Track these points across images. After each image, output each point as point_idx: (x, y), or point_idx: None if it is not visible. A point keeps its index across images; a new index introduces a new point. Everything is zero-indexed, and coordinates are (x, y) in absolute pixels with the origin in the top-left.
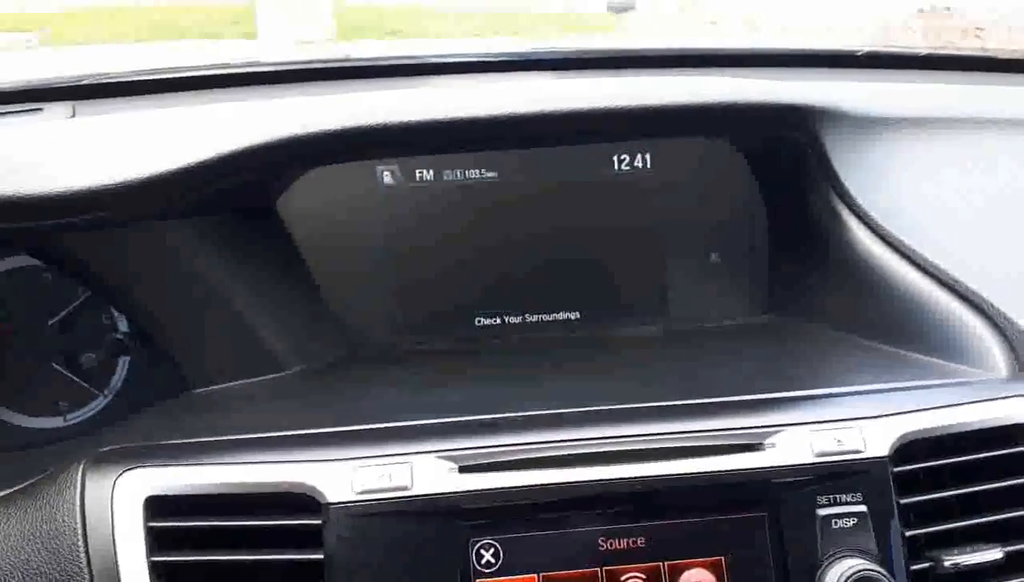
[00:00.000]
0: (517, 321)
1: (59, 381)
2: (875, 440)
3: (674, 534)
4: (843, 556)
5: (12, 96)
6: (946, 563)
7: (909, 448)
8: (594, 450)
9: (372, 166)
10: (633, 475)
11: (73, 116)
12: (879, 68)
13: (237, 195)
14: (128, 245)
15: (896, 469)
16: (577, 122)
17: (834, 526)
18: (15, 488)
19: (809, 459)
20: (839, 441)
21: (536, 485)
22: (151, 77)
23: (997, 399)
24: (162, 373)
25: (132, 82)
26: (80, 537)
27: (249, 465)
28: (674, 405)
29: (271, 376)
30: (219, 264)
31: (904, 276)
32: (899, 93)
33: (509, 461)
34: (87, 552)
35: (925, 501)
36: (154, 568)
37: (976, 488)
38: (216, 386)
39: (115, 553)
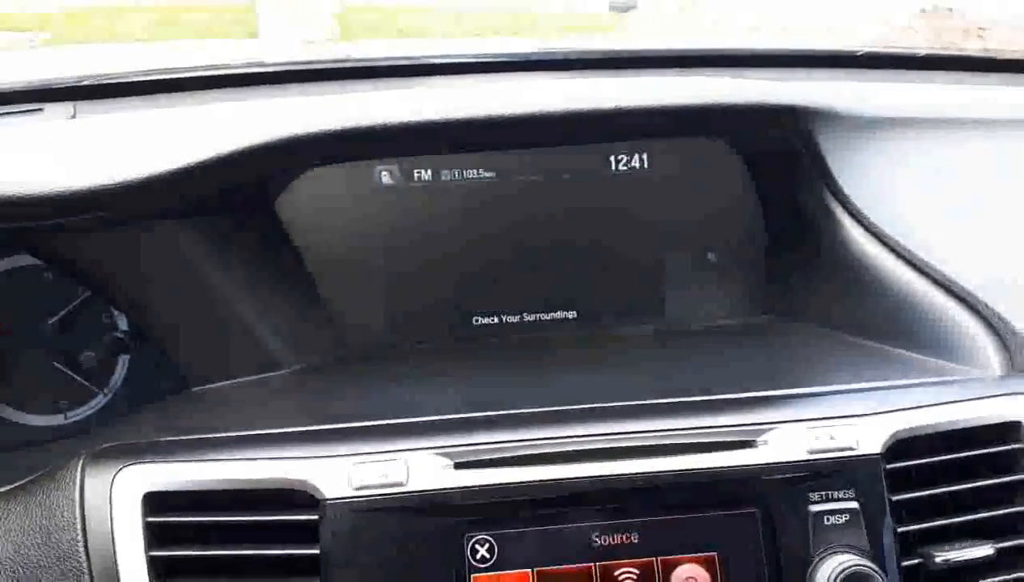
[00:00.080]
0: (514, 320)
1: (59, 379)
2: (868, 437)
3: (668, 530)
4: (835, 552)
5: (13, 96)
6: (937, 559)
7: (901, 445)
8: (589, 447)
9: (371, 166)
10: (627, 471)
11: (74, 116)
12: (878, 68)
13: (236, 195)
14: (128, 244)
15: (888, 466)
16: (574, 122)
17: (826, 522)
18: (15, 484)
19: (802, 456)
20: (832, 438)
21: (531, 481)
22: (151, 78)
23: (989, 397)
24: (161, 371)
25: (132, 83)
26: (79, 532)
27: (247, 461)
28: (669, 403)
29: (269, 374)
30: (218, 263)
31: (898, 275)
32: (894, 93)
33: (504, 457)
34: (86, 547)
35: (917, 498)
36: (152, 563)
37: (968, 485)
38: (214, 384)
39: (114, 548)
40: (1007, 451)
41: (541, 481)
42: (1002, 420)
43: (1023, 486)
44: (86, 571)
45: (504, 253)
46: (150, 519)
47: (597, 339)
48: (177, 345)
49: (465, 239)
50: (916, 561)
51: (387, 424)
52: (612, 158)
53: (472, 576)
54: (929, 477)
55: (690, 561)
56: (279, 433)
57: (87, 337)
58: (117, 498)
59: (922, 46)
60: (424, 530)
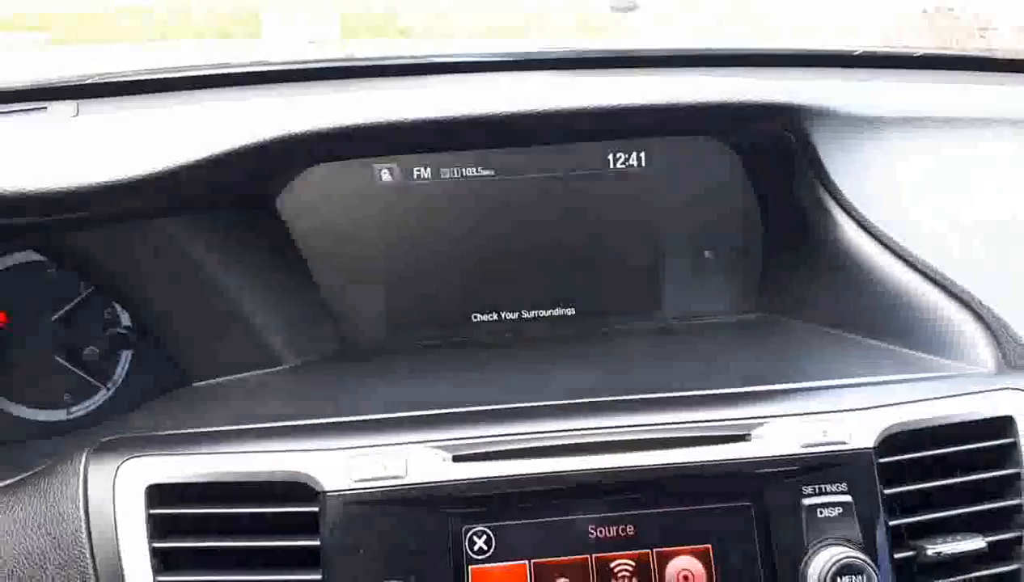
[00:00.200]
0: (513, 317)
1: (62, 374)
2: (860, 432)
3: (663, 523)
4: (828, 545)
5: (17, 95)
6: (929, 552)
7: (894, 440)
8: (585, 440)
9: (371, 164)
10: (623, 465)
11: (77, 115)
12: (876, 68)
13: (238, 192)
14: (130, 241)
15: (881, 460)
16: (572, 121)
17: (819, 516)
18: (19, 477)
19: (795, 450)
20: (825, 433)
21: (528, 474)
22: (153, 77)
23: (982, 392)
24: (163, 366)
25: (135, 81)
26: (83, 524)
27: (248, 454)
28: (664, 397)
29: (269, 370)
30: (219, 260)
31: (892, 272)
32: (889, 92)
33: (502, 451)
34: (90, 539)
35: (909, 492)
36: (155, 554)
37: (960, 479)
38: (215, 379)
39: (117, 539)
40: (999, 445)
41: (538, 474)
42: (994, 415)
43: (1015, 480)
44: (90, 562)
45: (503, 251)
46: (153, 511)
47: (594, 335)
48: (178, 341)
49: (464, 237)
50: (908, 554)
51: (386, 418)
52: (610, 156)
53: (470, 567)
54: (921, 471)
55: (685, 553)
56: (279, 427)
57: (90, 333)
58: (120, 490)
59: (924, 46)
60: (423, 522)
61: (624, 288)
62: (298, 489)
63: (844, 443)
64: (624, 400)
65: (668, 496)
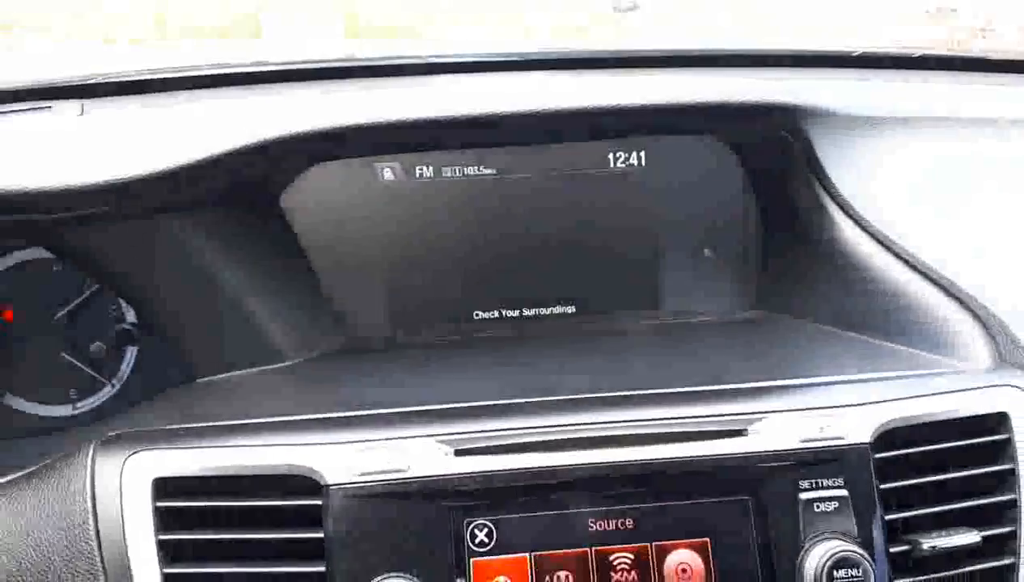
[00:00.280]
0: (514, 315)
1: (69, 370)
2: (857, 427)
3: (662, 516)
4: (825, 538)
5: (22, 94)
6: (925, 546)
7: (890, 435)
8: (585, 435)
9: (372, 163)
10: (623, 459)
11: (82, 114)
12: (875, 68)
13: (242, 190)
14: (136, 239)
15: (877, 455)
16: (572, 120)
17: (816, 510)
18: (27, 470)
19: (792, 445)
20: (822, 428)
21: (529, 468)
22: (158, 76)
23: (977, 389)
24: (168, 363)
25: (139, 81)
26: (90, 517)
27: (252, 448)
28: (663, 392)
29: (273, 366)
30: (224, 257)
31: (889, 270)
32: (888, 92)
33: (503, 445)
34: (97, 531)
35: (905, 486)
36: (161, 545)
37: (955, 474)
38: (219, 375)
39: (123, 531)
40: (994, 441)
41: (539, 468)
42: (989, 411)
43: (1009, 476)
44: (97, 554)
45: (504, 249)
46: (159, 504)
47: (594, 333)
48: (183, 337)
49: (465, 235)
50: (904, 548)
51: (389, 413)
52: (610, 155)
53: (471, 560)
54: (917, 466)
55: (683, 547)
56: (284, 421)
57: (96, 329)
58: (127, 483)
59: (925, 46)
60: (425, 515)
61: (624, 286)
62: (302, 482)
63: (841, 438)
64: (624, 396)
65: (667, 490)
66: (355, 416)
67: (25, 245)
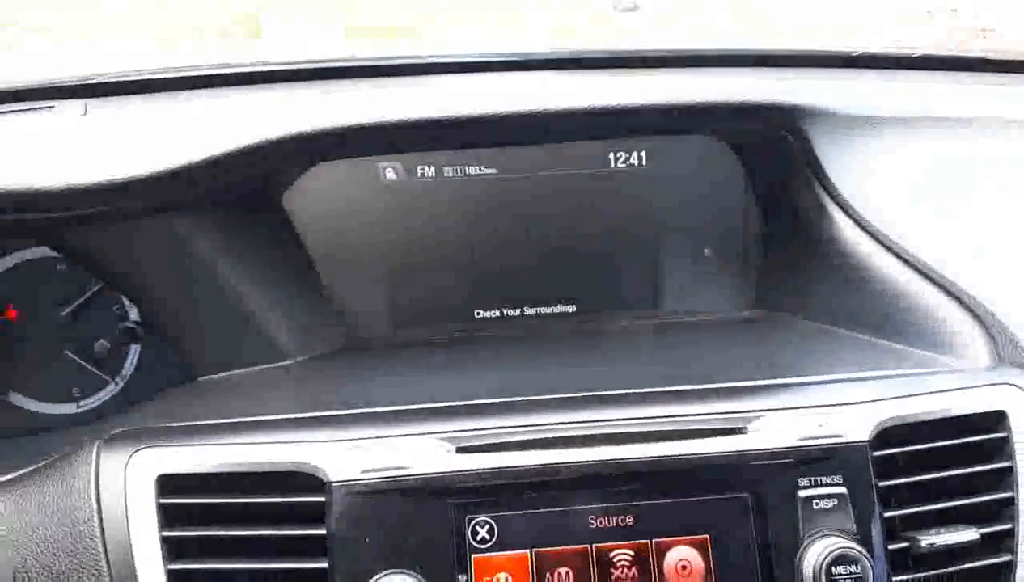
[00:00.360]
0: (515, 314)
1: (72, 368)
2: (856, 425)
3: (662, 513)
4: (823, 535)
5: (25, 94)
6: (923, 543)
7: (889, 433)
8: (586, 433)
9: (374, 163)
10: (623, 457)
11: (85, 113)
12: (874, 68)
13: (244, 190)
14: (139, 238)
15: (876, 453)
16: (573, 120)
17: (815, 507)
18: (32, 467)
19: (791, 443)
20: (821, 426)
21: (530, 465)
22: (160, 76)
23: (976, 387)
24: (171, 361)
25: (142, 81)
26: (95, 513)
27: (256, 446)
28: (663, 391)
29: (275, 364)
30: (226, 256)
31: (889, 270)
32: (888, 92)
33: (504, 443)
34: (101, 527)
35: (903, 484)
36: (165, 542)
37: (953, 472)
38: (222, 374)
39: (128, 528)
40: (992, 439)
41: (540, 465)
42: (988, 409)
43: (1007, 473)
44: (101, 551)
45: (505, 248)
46: (163, 500)
47: (595, 331)
48: (186, 336)
49: (467, 234)
50: (902, 545)
51: (391, 410)
52: (611, 155)
53: (473, 556)
54: (916, 464)
55: (683, 543)
56: (287, 419)
57: (99, 327)
58: (131, 480)
59: (925, 46)
60: (426, 512)
61: (624, 285)
62: (305, 480)
63: (840, 436)
64: (624, 394)
65: (667, 488)
66: (357, 414)
67: (29, 244)
